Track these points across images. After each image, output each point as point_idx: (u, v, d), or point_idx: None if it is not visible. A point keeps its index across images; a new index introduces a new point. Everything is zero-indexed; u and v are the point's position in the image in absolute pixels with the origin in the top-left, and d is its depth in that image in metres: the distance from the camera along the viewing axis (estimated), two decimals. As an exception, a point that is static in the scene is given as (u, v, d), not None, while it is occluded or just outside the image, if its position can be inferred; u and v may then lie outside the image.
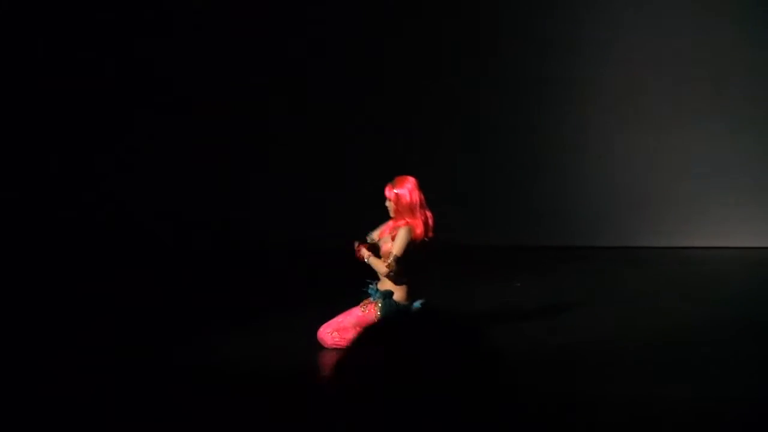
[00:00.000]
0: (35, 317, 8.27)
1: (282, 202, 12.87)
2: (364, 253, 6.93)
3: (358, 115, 12.94)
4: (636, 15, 12.67)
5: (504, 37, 12.84)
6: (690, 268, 11.16)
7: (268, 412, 5.64)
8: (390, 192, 7.04)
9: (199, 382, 6.24)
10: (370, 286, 7.13)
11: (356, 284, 7.31)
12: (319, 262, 10.25)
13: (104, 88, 12.97)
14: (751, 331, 7.65)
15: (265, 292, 9.44)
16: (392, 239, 7.01)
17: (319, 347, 7.03)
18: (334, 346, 6.97)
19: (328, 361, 6.81)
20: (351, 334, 6.90)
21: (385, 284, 7.06)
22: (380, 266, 6.95)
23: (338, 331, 6.98)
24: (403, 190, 7.01)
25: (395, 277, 6.99)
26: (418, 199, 7.02)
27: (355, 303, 7.15)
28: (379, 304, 7.01)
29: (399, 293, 7.02)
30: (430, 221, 7.09)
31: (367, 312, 7.00)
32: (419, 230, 7.02)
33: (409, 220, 7.00)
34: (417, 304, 7.01)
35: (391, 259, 6.91)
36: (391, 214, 7.05)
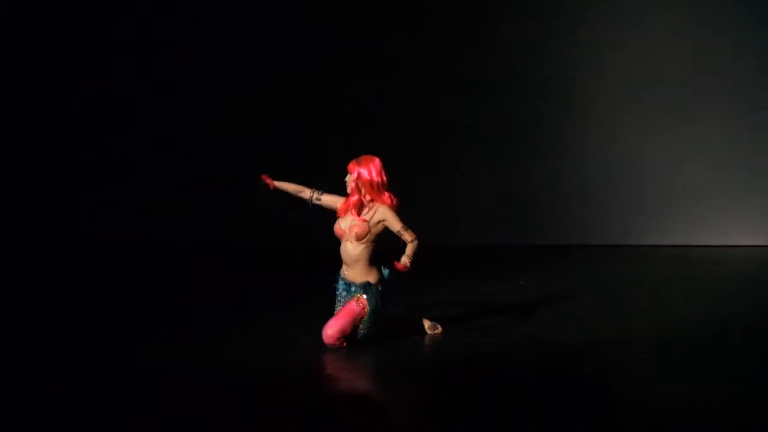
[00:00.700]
0: (40, 318, 8.28)
1: (282, 202, 12.88)
2: (406, 261, 6.97)
3: (359, 114, 12.94)
4: (636, 15, 12.66)
5: (504, 37, 12.83)
6: (692, 266, 11.16)
7: (267, 412, 5.63)
8: (353, 168, 7.07)
9: (199, 382, 6.23)
10: (339, 281, 7.14)
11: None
12: (320, 261, 10.24)
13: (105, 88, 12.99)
14: (754, 329, 7.64)
15: (264, 291, 9.44)
16: (371, 222, 7.00)
17: (319, 348, 7.01)
18: (339, 347, 6.98)
19: (333, 362, 6.80)
20: (342, 324, 6.95)
21: (357, 274, 7.07)
22: (411, 247, 7.00)
23: (343, 332, 6.98)
24: (366, 169, 7.03)
25: (368, 263, 7.03)
26: (380, 179, 7.04)
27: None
28: (364, 297, 7.02)
29: (373, 276, 7.05)
30: (395, 201, 7.10)
31: (361, 306, 7.01)
32: (387, 202, 7.05)
33: (375, 199, 7.03)
34: (386, 273, 7.06)
35: (407, 231, 6.99)
36: (348, 191, 7.09)
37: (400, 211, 7.05)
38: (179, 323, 7.92)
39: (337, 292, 7.17)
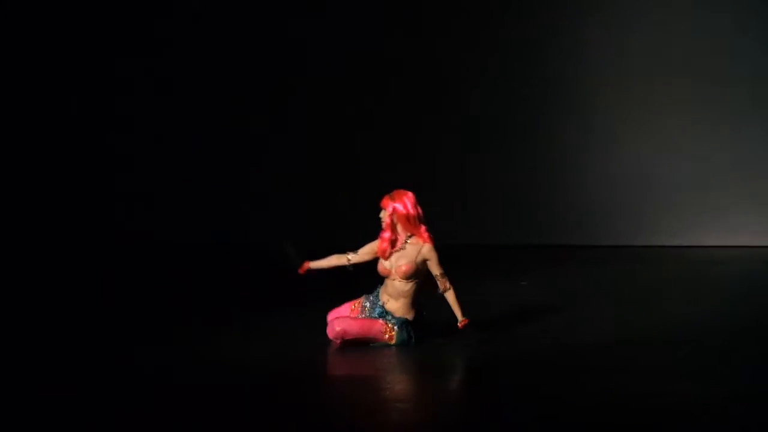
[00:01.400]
0: (39, 318, 8.27)
1: (283, 201, 12.87)
2: (464, 321, 7.00)
3: (360, 115, 12.93)
4: (636, 16, 12.65)
5: (505, 37, 12.82)
6: (696, 267, 11.15)
7: (267, 412, 5.63)
8: (387, 203, 7.05)
9: (199, 382, 6.23)
10: (377, 301, 7.13)
11: (357, 284, 7.31)
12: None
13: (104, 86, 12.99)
14: (757, 329, 7.63)
15: (265, 290, 9.44)
16: (408, 261, 7.00)
17: (319, 348, 7.01)
18: (333, 341, 7.03)
19: (333, 362, 6.80)
20: (356, 331, 6.99)
21: (398, 308, 7.08)
22: (453, 299, 7.06)
23: (348, 337, 7.01)
24: (402, 204, 7.02)
25: (411, 301, 7.06)
26: (415, 213, 7.03)
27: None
28: (395, 330, 7.04)
29: (412, 315, 7.09)
30: (431, 236, 7.10)
31: (387, 337, 7.03)
32: (428, 240, 7.04)
33: (413, 233, 7.01)
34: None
35: (444, 278, 7.04)
36: (382, 226, 7.07)
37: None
38: (179, 324, 7.91)
39: (366, 305, 7.16)
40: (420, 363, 6.79)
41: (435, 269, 7.04)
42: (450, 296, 7.07)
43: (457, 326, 7.05)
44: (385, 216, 7.07)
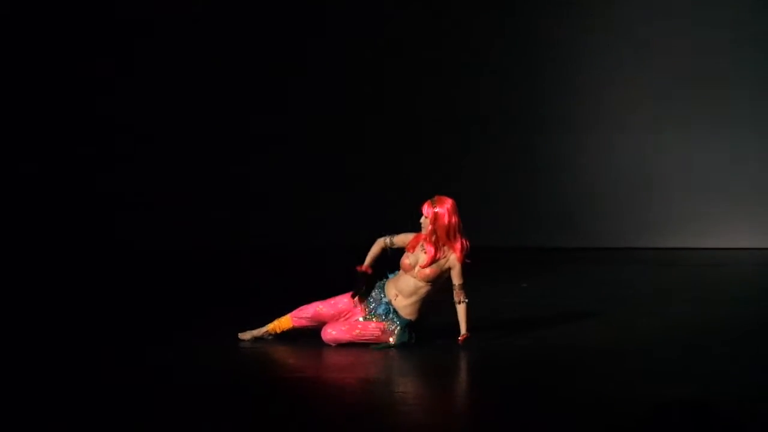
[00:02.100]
0: (39, 318, 8.27)
1: (282, 201, 12.87)
2: (466, 335, 6.98)
3: (361, 116, 12.94)
4: (636, 16, 12.67)
5: (505, 38, 12.83)
6: (697, 269, 11.15)
7: (267, 412, 5.63)
8: (428, 210, 7.00)
9: (199, 382, 6.23)
10: (382, 295, 7.10)
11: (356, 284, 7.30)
12: (319, 260, 10.24)
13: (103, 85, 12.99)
14: (758, 331, 7.63)
15: (265, 290, 9.45)
16: (442, 267, 6.98)
17: (319, 349, 7.01)
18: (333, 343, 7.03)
19: (332, 363, 6.80)
20: (347, 338, 7.01)
21: (406, 307, 7.04)
22: (464, 313, 7.02)
23: (337, 338, 7.00)
24: (443, 210, 6.97)
25: (421, 303, 7.03)
26: (456, 222, 6.98)
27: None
28: (396, 332, 7.01)
29: (418, 318, 7.05)
30: (467, 246, 7.05)
31: (385, 337, 7.00)
32: (458, 255, 7.00)
33: (448, 245, 6.97)
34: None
35: (462, 291, 7.01)
36: (424, 231, 7.02)
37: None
38: (179, 324, 7.91)
39: (370, 299, 7.14)
40: (420, 363, 6.78)
41: (456, 279, 6.99)
42: (461, 309, 7.01)
43: (458, 339, 7.01)
44: (426, 223, 7.03)
